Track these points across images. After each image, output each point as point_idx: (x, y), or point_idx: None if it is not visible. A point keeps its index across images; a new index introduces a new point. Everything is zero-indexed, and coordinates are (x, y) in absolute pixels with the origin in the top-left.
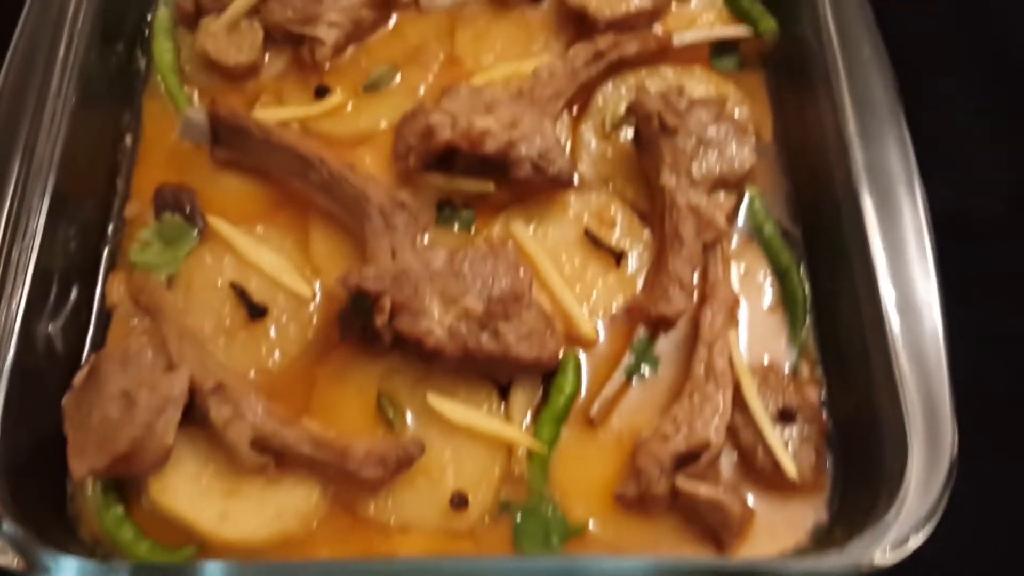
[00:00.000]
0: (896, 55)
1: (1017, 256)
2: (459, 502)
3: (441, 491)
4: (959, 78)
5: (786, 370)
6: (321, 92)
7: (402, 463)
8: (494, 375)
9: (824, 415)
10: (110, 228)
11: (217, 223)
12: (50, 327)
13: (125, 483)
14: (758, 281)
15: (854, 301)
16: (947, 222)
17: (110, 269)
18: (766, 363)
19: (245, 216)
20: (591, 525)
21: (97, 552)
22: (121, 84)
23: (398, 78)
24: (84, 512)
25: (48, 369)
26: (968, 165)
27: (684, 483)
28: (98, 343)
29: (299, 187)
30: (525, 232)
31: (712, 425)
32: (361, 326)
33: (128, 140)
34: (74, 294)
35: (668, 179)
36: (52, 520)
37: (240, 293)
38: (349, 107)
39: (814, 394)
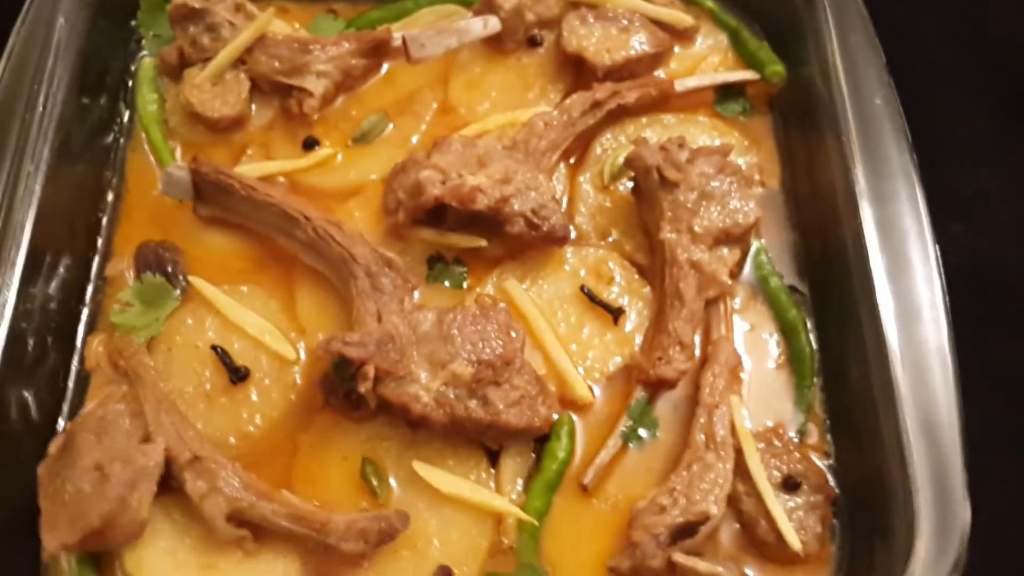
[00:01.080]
0: (910, 100)
1: None
2: None
3: (426, 564)
4: (977, 125)
5: (791, 433)
6: (309, 144)
7: (384, 536)
8: (484, 440)
9: (831, 482)
10: (90, 288)
11: (199, 284)
12: (25, 392)
13: (101, 555)
14: (763, 339)
15: (863, 362)
16: (963, 273)
17: (89, 331)
18: (771, 425)
19: (230, 274)
20: None
21: None
22: (103, 138)
23: (390, 128)
24: None
25: (24, 435)
26: (985, 215)
27: (681, 558)
28: (76, 408)
29: (284, 245)
30: (518, 289)
31: (712, 496)
32: (345, 391)
33: (110, 196)
34: (52, 357)
35: (668, 234)
36: None
37: (221, 356)
38: (339, 159)
39: (821, 460)
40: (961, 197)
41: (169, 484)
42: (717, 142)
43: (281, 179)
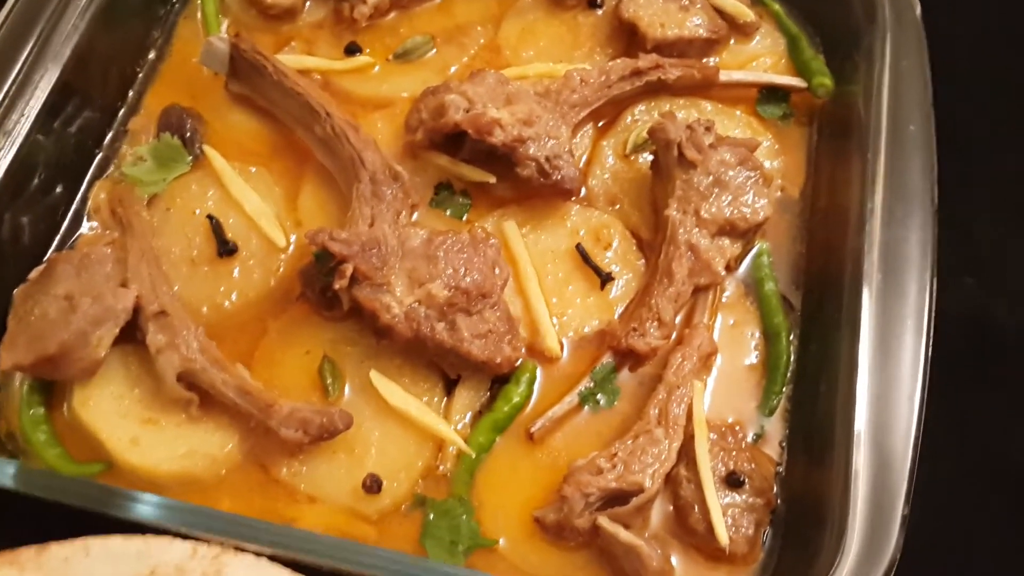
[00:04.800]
0: (948, 141)
1: None
2: (372, 486)
3: (359, 470)
4: (1011, 182)
5: (749, 436)
6: (351, 50)
7: (324, 432)
8: (443, 366)
9: (775, 490)
10: (109, 135)
11: (212, 154)
12: (23, 217)
13: (53, 388)
14: (744, 337)
15: (833, 381)
16: (963, 327)
17: (98, 176)
18: (730, 421)
19: (244, 154)
20: (502, 542)
21: (7, 447)
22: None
23: (432, 52)
24: (6, 406)
25: (11, 257)
26: (999, 274)
27: (606, 523)
28: (66, 245)
29: (302, 137)
30: (515, 232)
31: (650, 470)
32: (321, 287)
33: (152, 55)
34: (56, 191)
35: (674, 212)
36: None
37: (215, 227)
38: (376, 70)
39: (769, 466)
40: (979, 251)
41: (134, 335)
42: None
43: (317, 76)
